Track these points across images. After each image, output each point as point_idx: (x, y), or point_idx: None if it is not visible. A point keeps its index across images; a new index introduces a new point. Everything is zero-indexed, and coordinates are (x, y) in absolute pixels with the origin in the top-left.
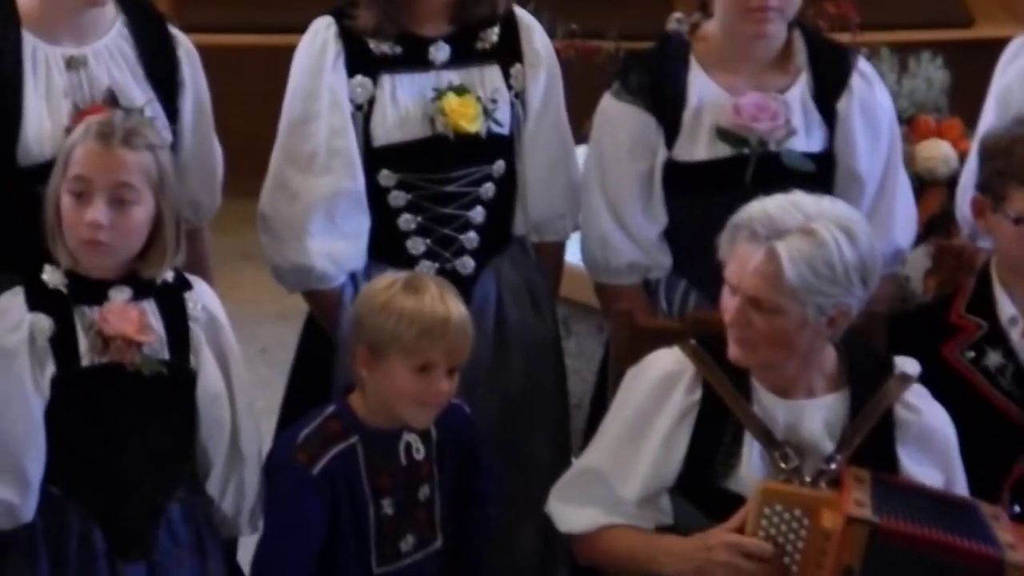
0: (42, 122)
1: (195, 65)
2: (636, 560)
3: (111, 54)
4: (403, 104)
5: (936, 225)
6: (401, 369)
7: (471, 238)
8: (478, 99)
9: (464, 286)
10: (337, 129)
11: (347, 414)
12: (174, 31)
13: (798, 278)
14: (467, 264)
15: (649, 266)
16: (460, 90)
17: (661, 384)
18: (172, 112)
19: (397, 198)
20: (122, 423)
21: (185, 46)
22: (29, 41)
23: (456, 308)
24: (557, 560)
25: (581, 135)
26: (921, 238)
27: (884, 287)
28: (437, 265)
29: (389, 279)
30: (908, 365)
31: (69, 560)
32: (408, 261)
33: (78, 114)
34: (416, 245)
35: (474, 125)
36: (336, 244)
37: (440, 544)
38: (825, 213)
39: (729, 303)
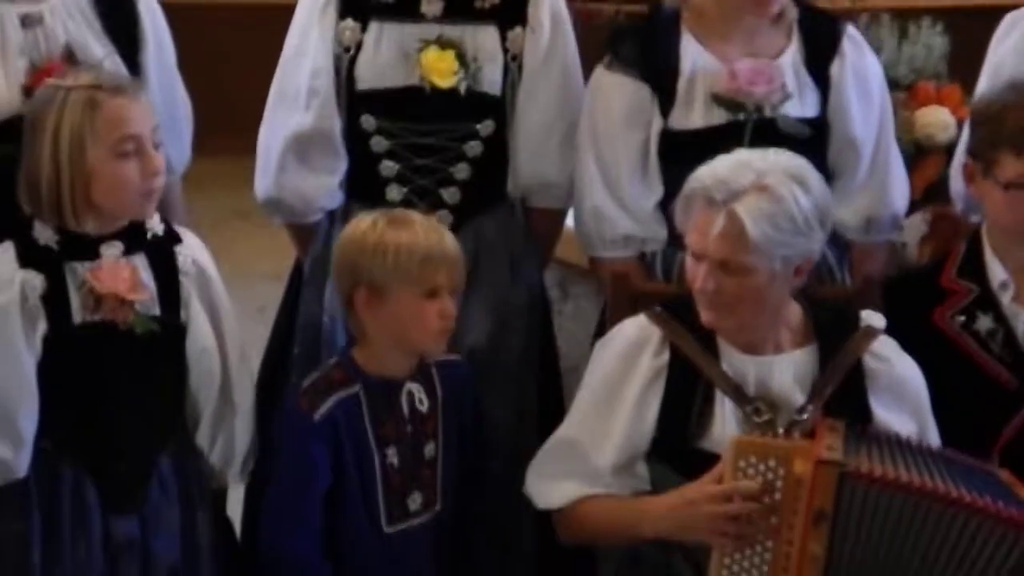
0: None
1: (156, 18)
2: (618, 527)
3: (68, 10)
4: (386, 52)
5: (934, 192)
6: (409, 300)
7: (452, 193)
8: (461, 56)
9: None
10: (319, 69)
11: (350, 364)
12: None
13: (762, 236)
14: (445, 218)
15: (644, 238)
16: (445, 44)
17: (628, 351)
18: (133, 66)
19: (379, 143)
20: (114, 380)
21: (145, 0)
22: None
23: (445, 232)
24: (521, 532)
25: None
26: (918, 205)
27: (881, 254)
28: None
29: (368, 220)
30: (874, 319)
31: (62, 514)
32: (385, 207)
33: (35, 72)
34: (394, 192)
35: (447, 81)
36: (307, 181)
37: (439, 508)
38: (775, 167)
39: (696, 271)
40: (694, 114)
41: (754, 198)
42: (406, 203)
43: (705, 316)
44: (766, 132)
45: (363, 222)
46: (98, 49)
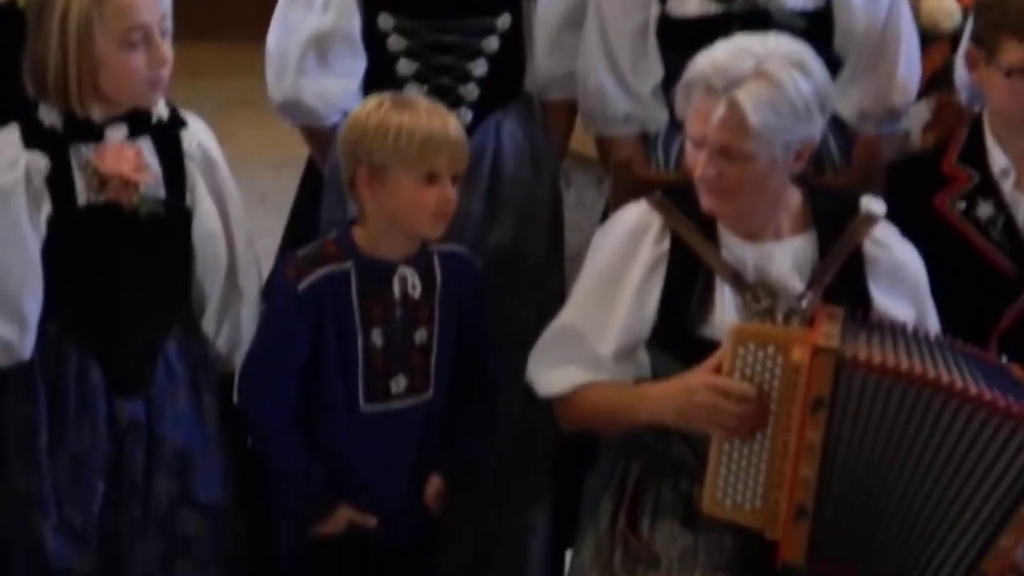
0: None
1: None
2: (616, 413)
3: None
4: None
5: (938, 80)
6: (407, 182)
7: (470, 89)
8: None
9: None
10: None
11: (346, 240)
12: None
13: (762, 122)
14: (464, 115)
15: (645, 118)
16: None
17: (629, 237)
18: None
19: (396, 43)
20: (119, 262)
21: None
22: None
23: (450, 117)
24: (539, 428)
25: None
26: (923, 92)
27: (883, 146)
28: None
29: (374, 101)
30: (874, 205)
31: (67, 395)
32: None
33: None
34: (413, 92)
35: None
36: (327, 82)
37: (431, 395)
38: (774, 52)
39: (696, 158)
40: (690, 2)
41: (754, 84)
42: None
43: (705, 202)
44: (761, 24)
45: (369, 103)
46: None
